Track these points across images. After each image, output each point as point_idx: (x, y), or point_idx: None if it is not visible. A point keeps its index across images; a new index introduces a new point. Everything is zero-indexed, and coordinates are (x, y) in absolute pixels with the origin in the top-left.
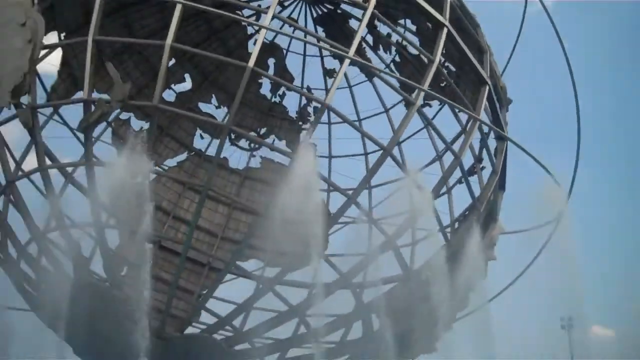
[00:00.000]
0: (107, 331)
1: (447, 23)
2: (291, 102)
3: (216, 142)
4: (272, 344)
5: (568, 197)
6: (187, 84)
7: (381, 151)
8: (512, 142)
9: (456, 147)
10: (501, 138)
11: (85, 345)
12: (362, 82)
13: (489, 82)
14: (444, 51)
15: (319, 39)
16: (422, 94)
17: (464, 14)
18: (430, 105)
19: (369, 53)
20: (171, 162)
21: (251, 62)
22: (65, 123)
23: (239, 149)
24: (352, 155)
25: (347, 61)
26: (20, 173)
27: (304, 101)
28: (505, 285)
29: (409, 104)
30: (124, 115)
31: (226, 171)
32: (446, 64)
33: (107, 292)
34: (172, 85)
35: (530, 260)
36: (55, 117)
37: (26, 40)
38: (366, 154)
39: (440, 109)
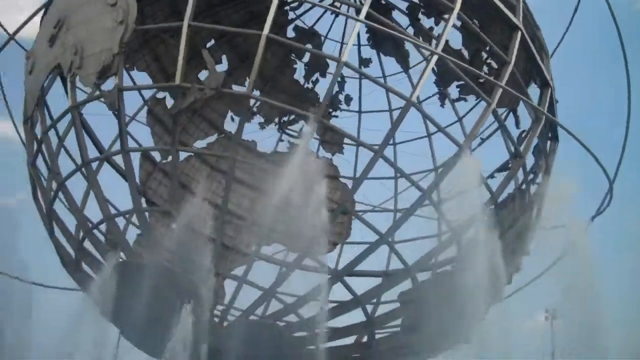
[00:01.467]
0: (167, 316)
1: (521, 26)
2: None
3: (247, 126)
4: (332, 331)
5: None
6: (223, 66)
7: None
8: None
9: None
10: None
11: (142, 331)
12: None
13: (552, 84)
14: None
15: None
16: (499, 92)
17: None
18: (466, 100)
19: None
20: (200, 144)
21: (266, 30)
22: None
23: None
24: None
25: (434, 57)
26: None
27: (336, 89)
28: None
29: (488, 104)
30: (160, 94)
31: (253, 154)
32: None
33: (176, 276)
34: None
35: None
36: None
37: (117, 21)
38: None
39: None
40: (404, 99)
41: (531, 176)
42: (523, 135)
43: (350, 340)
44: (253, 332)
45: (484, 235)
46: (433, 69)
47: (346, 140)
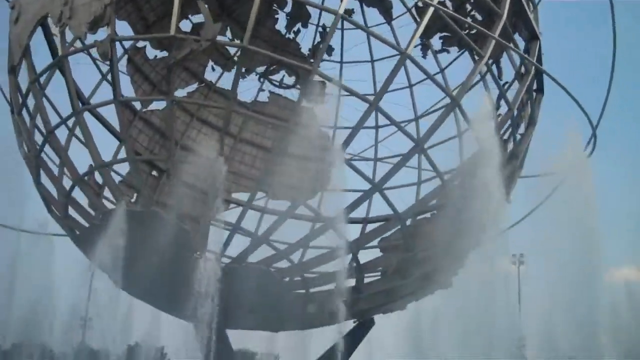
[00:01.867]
0: (166, 264)
1: None
2: (306, 42)
3: (227, 75)
4: (323, 276)
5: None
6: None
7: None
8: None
9: None
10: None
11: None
12: None
13: (540, 37)
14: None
15: None
16: (492, 44)
17: None
18: (448, 52)
19: None
20: (180, 93)
21: None
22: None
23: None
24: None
25: (430, 9)
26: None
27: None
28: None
29: (480, 57)
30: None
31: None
32: None
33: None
34: (190, 16)
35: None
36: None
37: None
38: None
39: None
40: (398, 51)
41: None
42: (506, 87)
43: None
44: (244, 276)
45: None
46: (416, 20)
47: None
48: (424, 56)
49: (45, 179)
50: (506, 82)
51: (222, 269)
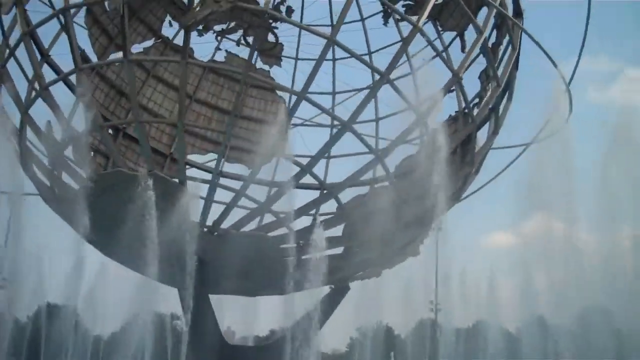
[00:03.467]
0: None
1: None
2: None
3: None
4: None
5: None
6: None
7: None
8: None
9: None
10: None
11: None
12: None
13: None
14: None
15: None
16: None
17: None
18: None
19: None
20: (136, 48)
21: None
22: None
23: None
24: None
25: None
26: None
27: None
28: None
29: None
30: None
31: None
32: None
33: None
34: None
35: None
36: None
37: None
38: None
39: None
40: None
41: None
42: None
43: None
44: (240, 241)
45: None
46: None
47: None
48: (385, 24)
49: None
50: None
51: (217, 234)
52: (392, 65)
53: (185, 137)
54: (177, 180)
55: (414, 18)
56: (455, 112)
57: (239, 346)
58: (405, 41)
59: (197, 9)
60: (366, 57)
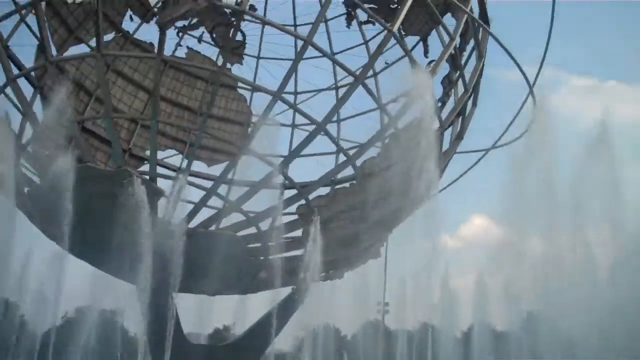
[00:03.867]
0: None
1: None
2: None
3: (145, 26)
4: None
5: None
6: None
7: None
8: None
9: None
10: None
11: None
12: None
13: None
14: None
15: None
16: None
17: None
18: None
19: None
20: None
21: None
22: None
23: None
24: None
25: None
26: None
27: None
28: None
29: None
30: None
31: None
32: None
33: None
34: None
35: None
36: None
37: None
38: None
39: None
40: None
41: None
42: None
43: None
44: (210, 241)
45: None
46: None
47: None
48: (348, 26)
49: None
50: (432, 60)
51: (187, 232)
52: (367, 69)
53: (145, 133)
54: (147, 177)
55: None
56: None
57: (201, 345)
58: (381, 45)
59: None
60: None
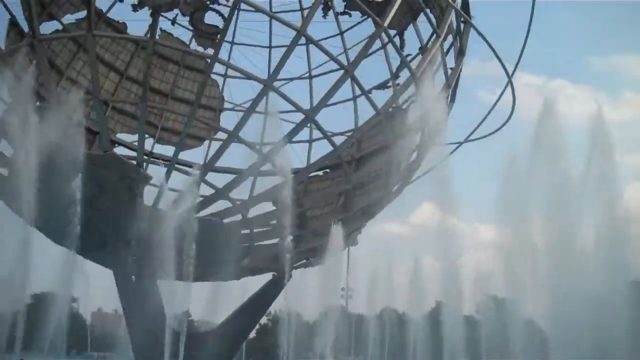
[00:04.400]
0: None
1: None
2: None
3: (120, 6)
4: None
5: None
6: None
7: None
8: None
9: None
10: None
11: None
12: None
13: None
14: None
15: None
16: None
17: None
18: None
19: None
20: (68, 19)
21: None
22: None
23: None
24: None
25: None
26: None
27: None
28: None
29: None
30: None
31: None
32: None
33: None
34: None
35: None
36: None
37: None
38: None
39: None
40: None
41: None
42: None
43: None
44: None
45: None
46: None
47: None
48: (325, 16)
49: None
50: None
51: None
52: (357, 61)
53: (116, 115)
54: (134, 162)
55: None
56: None
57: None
58: (372, 38)
59: None
60: (303, 47)
